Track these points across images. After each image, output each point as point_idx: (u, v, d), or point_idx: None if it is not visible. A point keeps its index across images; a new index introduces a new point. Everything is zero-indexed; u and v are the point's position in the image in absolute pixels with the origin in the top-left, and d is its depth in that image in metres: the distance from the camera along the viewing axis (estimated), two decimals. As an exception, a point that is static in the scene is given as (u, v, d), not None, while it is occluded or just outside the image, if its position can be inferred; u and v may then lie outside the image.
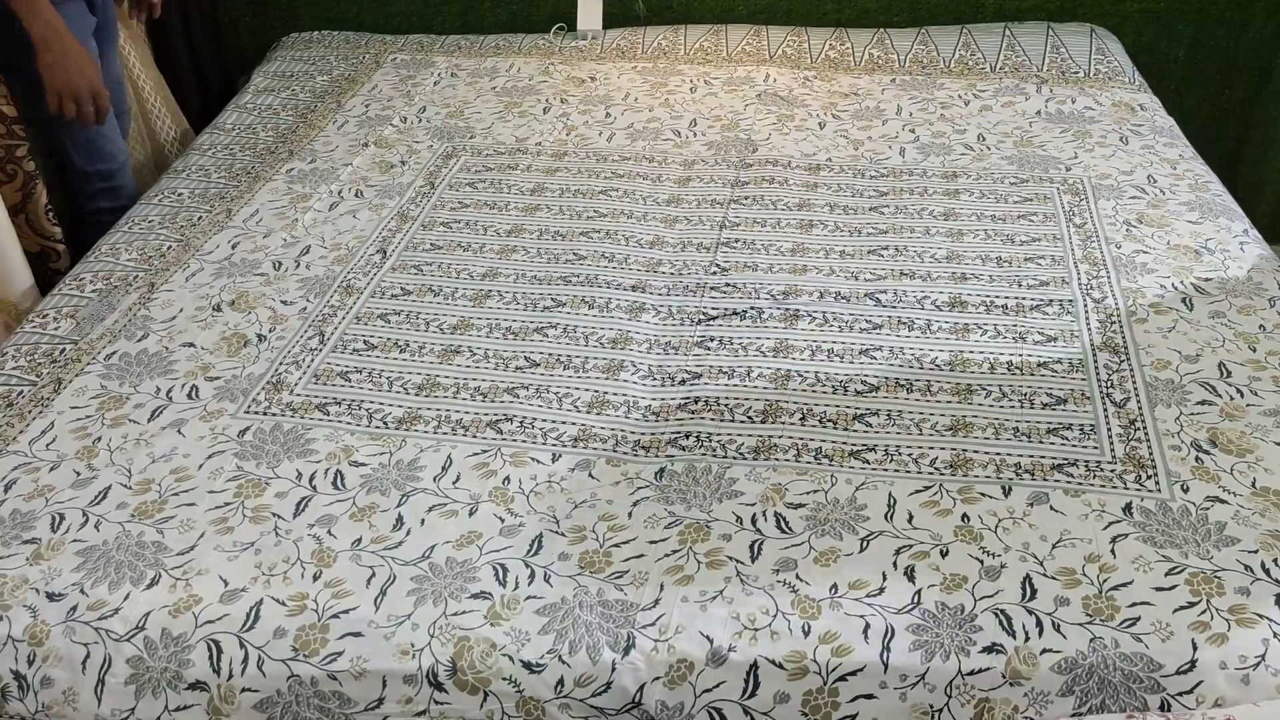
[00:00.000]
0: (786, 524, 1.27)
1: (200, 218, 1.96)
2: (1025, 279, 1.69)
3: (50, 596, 1.21)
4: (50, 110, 1.91)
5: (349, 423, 1.45)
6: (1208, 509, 1.26)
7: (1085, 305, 1.62)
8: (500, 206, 1.96)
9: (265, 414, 1.47)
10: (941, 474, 1.33)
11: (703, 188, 2.00)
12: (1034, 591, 1.16)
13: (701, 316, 1.64)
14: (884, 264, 1.74)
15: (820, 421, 1.42)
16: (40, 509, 1.32)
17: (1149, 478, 1.31)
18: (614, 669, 1.12)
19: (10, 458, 1.41)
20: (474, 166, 2.10)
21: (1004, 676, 1.10)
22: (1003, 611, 1.14)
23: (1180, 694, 1.08)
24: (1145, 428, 1.38)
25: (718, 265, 1.76)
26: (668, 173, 2.06)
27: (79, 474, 1.38)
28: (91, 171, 2.09)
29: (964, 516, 1.26)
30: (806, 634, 1.13)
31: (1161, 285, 1.66)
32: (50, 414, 1.48)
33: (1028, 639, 1.12)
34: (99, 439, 1.43)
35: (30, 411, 1.49)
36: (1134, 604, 1.14)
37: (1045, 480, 1.31)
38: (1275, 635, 1.11)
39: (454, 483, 1.35)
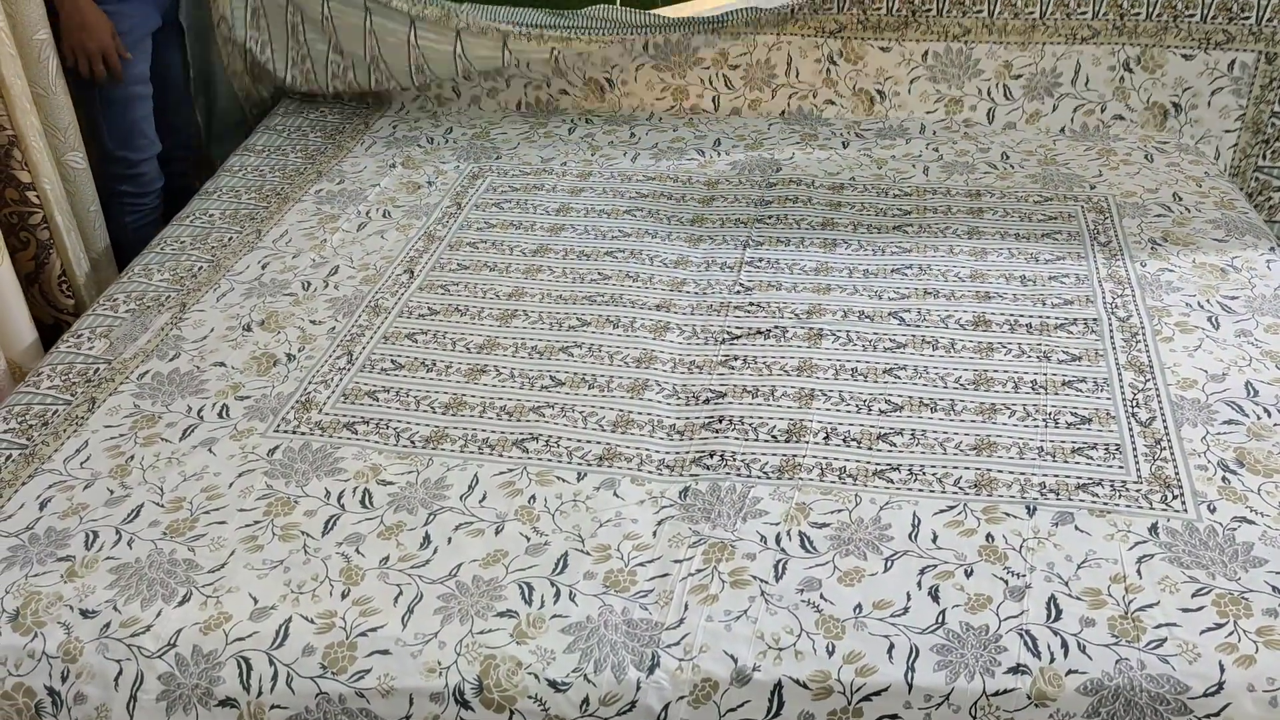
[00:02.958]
0: (811, 543, 1.27)
1: (231, 238, 1.99)
2: (1050, 298, 1.69)
3: (84, 613, 1.22)
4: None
5: (377, 442, 1.47)
6: (1235, 529, 1.25)
7: (1110, 324, 1.62)
8: (526, 226, 1.97)
9: (294, 433, 1.49)
10: (966, 494, 1.33)
11: (727, 207, 2.01)
12: (1059, 612, 1.16)
13: (726, 336, 1.65)
14: (908, 283, 1.75)
15: (844, 441, 1.42)
16: (74, 527, 1.35)
17: (1175, 498, 1.30)
18: (639, 688, 1.13)
19: (45, 476, 1.43)
20: (500, 186, 2.12)
21: (1029, 698, 1.09)
22: (1028, 632, 1.14)
23: (1207, 716, 1.08)
24: (1171, 447, 1.38)
25: (741, 285, 1.77)
26: (692, 192, 2.07)
27: (112, 492, 1.40)
28: (118, 156, 2.21)
29: (988, 536, 1.26)
30: (831, 654, 1.14)
31: (1187, 304, 1.66)
32: (85, 433, 1.51)
33: (1053, 660, 1.11)
34: (132, 457, 1.46)
35: (65, 430, 1.52)
36: (1160, 625, 1.14)
37: (1070, 500, 1.31)
38: (1304, 657, 1.10)
39: (480, 501, 1.36)
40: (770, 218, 1.96)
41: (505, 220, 1.99)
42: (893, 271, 1.78)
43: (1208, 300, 1.66)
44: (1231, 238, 1.83)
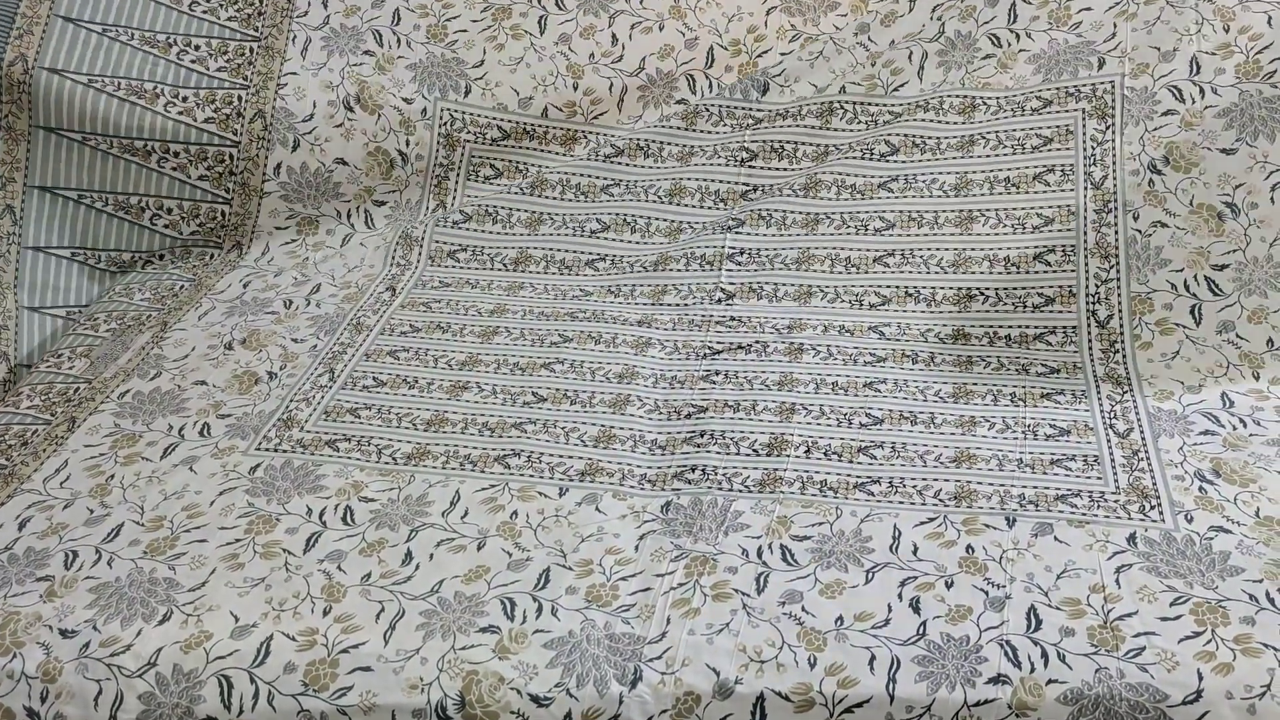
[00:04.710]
0: (792, 556, 1.27)
1: (212, 256, 1.99)
2: (1030, 298, 1.68)
3: (63, 633, 1.22)
4: None
5: (358, 459, 1.47)
6: (1212, 538, 1.26)
7: (1089, 329, 1.61)
8: (508, 223, 1.93)
9: (276, 451, 1.48)
10: (946, 506, 1.34)
11: (706, 163, 1.94)
12: (1039, 622, 1.17)
13: (707, 351, 1.65)
14: (888, 278, 1.72)
15: (825, 454, 1.43)
16: (54, 546, 1.34)
17: (1153, 508, 1.31)
18: (621, 702, 1.13)
19: (24, 496, 1.43)
20: (479, 161, 2.00)
21: (1010, 707, 1.10)
22: (1008, 642, 1.15)
23: (1186, 724, 1.08)
24: (1149, 458, 1.39)
25: (722, 290, 1.76)
26: (672, 141, 1.96)
27: (92, 511, 1.39)
28: None
29: (968, 548, 1.27)
30: (813, 666, 1.14)
31: (1172, 284, 1.60)
32: (64, 452, 1.50)
33: (1033, 670, 1.12)
34: (112, 476, 1.45)
35: (45, 450, 1.51)
36: (1139, 634, 1.15)
37: (1049, 511, 1.32)
38: (1281, 664, 1.11)
39: (462, 517, 1.36)
40: (754, 190, 1.89)
41: (485, 230, 1.96)
42: (874, 261, 1.74)
43: (1195, 276, 1.60)
44: (1243, 141, 1.66)
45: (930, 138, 1.85)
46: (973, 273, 1.71)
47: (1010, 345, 1.62)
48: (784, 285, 1.76)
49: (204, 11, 2.05)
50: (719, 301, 1.75)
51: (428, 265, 1.90)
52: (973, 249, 1.74)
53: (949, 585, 1.22)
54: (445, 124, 2.01)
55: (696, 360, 1.64)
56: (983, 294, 1.69)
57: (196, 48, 2.03)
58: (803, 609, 1.20)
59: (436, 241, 1.95)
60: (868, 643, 1.16)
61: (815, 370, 1.59)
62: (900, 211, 1.80)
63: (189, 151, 1.98)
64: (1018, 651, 1.14)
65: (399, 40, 2.05)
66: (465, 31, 2.05)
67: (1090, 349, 1.60)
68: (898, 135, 1.86)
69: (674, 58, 2.03)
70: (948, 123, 1.85)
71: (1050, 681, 1.11)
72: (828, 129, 1.91)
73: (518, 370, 1.63)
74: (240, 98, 2.01)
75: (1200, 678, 1.10)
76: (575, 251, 1.90)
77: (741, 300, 1.75)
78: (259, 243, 2.00)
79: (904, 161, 1.85)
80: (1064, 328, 1.64)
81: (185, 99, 1.99)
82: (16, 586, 1.28)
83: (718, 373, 1.60)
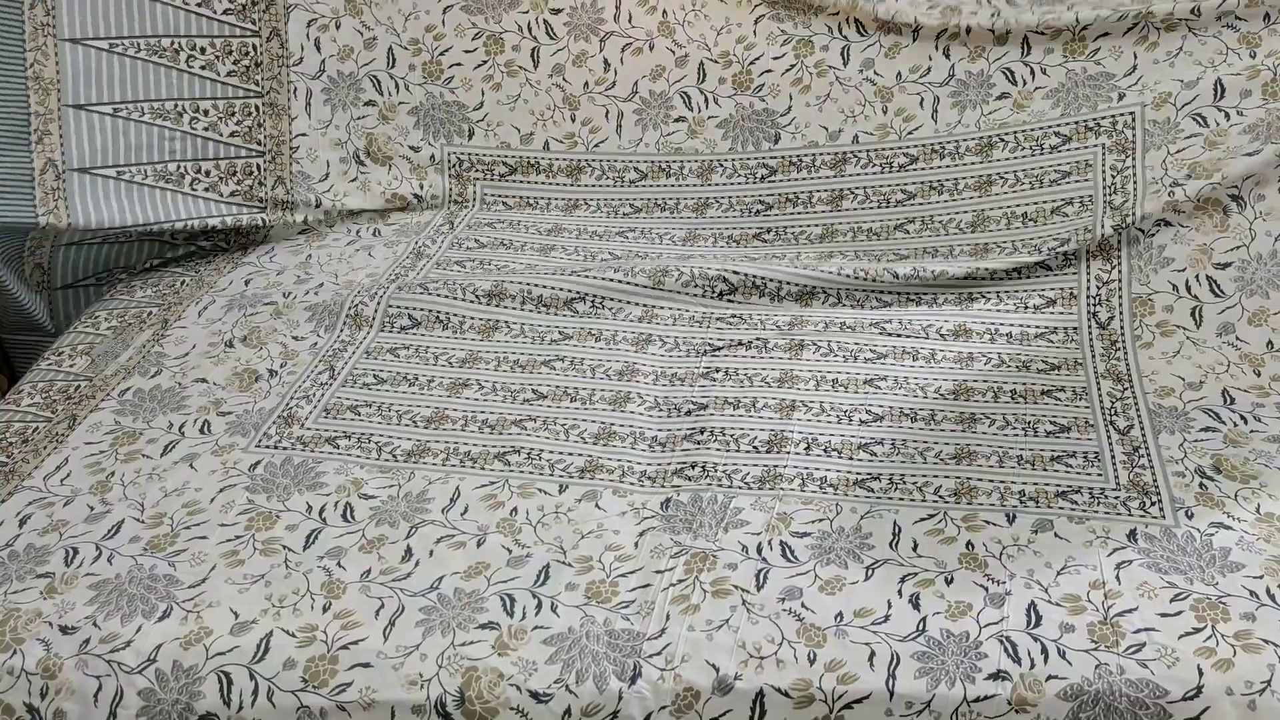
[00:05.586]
0: (792, 552, 1.27)
1: (215, 257, 1.99)
2: (1031, 302, 1.68)
3: (63, 630, 1.22)
4: None
5: (358, 456, 1.47)
6: (1212, 535, 1.26)
7: (1089, 330, 1.61)
8: (521, 249, 1.93)
9: (276, 448, 1.49)
10: (946, 502, 1.34)
11: (721, 216, 1.95)
12: (1039, 618, 1.17)
13: (707, 347, 1.65)
14: (896, 287, 1.73)
15: (825, 451, 1.43)
16: (54, 543, 1.34)
17: (1153, 504, 1.31)
18: (621, 698, 1.13)
19: (25, 493, 1.43)
20: (491, 200, 2.05)
21: (1010, 704, 1.10)
22: (1008, 638, 1.15)
23: (1187, 720, 1.08)
24: (1149, 455, 1.39)
25: (725, 282, 1.74)
26: (685, 196, 1.98)
27: (92, 508, 1.39)
28: None
29: (968, 544, 1.27)
30: (812, 662, 1.14)
31: (1174, 285, 1.60)
32: (65, 450, 1.50)
33: (1033, 666, 1.12)
34: (112, 474, 1.45)
35: (45, 447, 1.51)
36: (1139, 630, 1.15)
37: (1049, 508, 1.32)
38: (1281, 660, 1.11)
39: (462, 514, 1.36)
40: (768, 231, 1.91)
41: (492, 257, 1.97)
42: (894, 227, 1.74)
43: (1197, 276, 1.59)
44: (1269, 140, 1.63)
45: (948, 179, 1.85)
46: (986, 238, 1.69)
47: (1010, 341, 1.61)
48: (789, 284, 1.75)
49: (202, 67, 1.98)
50: (720, 298, 1.73)
51: (433, 269, 1.88)
52: (991, 208, 1.71)
53: (949, 581, 1.22)
54: (454, 166, 2.06)
55: (697, 357, 1.63)
56: (984, 295, 1.68)
57: (205, 112, 1.98)
58: (802, 605, 1.20)
59: (446, 255, 1.93)
60: (867, 639, 1.16)
61: (815, 367, 1.59)
62: (920, 184, 1.79)
63: (219, 231, 2.01)
64: (1017, 647, 1.14)
65: (397, 85, 2.04)
66: (460, 65, 2.04)
67: (1091, 346, 1.59)
68: (913, 183, 1.87)
69: (666, 78, 2.02)
70: (966, 164, 1.85)
71: (1050, 678, 1.11)
72: (842, 177, 1.91)
73: (518, 368, 1.63)
74: (259, 166, 2.00)
75: (1200, 674, 1.10)
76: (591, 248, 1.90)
77: (743, 295, 1.74)
78: (265, 245, 2.00)
79: (918, 213, 1.85)
80: (1065, 328, 1.63)
81: (208, 173, 1.98)
82: (17, 583, 1.28)
83: (718, 369, 1.60)
